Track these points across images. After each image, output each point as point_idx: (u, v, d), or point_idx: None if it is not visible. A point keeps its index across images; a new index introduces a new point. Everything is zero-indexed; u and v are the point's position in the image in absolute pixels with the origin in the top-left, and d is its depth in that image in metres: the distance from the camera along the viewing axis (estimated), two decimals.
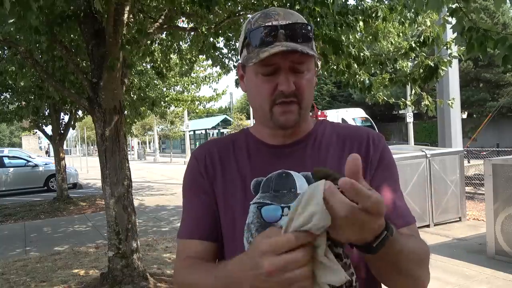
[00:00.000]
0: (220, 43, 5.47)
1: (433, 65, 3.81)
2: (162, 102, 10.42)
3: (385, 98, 4.70)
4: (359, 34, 4.10)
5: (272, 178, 0.95)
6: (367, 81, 4.15)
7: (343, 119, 21.35)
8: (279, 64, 0.89)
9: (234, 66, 6.04)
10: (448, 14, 2.54)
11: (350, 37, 3.89)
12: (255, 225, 0.92)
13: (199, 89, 10.77)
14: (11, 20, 2.55)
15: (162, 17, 4.47)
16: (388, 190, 0.98)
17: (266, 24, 0.90)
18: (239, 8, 4.42)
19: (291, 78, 0.90)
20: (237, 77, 5.82)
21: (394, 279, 0.86)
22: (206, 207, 0.99)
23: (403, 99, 5.26)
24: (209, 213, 0.99)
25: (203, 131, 41.44)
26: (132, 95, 8.61)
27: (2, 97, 9.75)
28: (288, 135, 0.99)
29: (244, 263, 0.74)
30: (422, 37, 3.99)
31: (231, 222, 0.96)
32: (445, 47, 4.09)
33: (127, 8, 3.93)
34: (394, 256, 0.77)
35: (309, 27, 0.92)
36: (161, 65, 6.46)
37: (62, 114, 10.96)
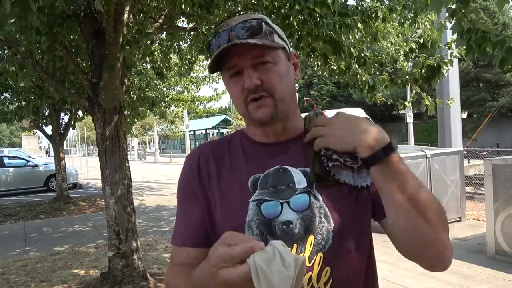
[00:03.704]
0: None
1: (435, 65, 3.81)
2: (162, 102, 10.42)
3: (384, 99, 4.69)
4: (358, 34, 4.10)
5: (269, 174, 0.95)
6: (371, 81, 4.14)
7: None
8: (240, 64, 0.92)
9: None
10: (446, 16, 2.55)
11: (350, 37, 3.89)
12: (256, 222, 0.92)
13: (199, 89, 10.78)
14: (12, 21, 2.55)
15: (162, 17, 4.48)
16: None
17: (219, 32, 0.94)
18: (239, 8, 4.43)
19: (254, 74, 0.91)
20: None
21: (418, 233, 0.85)
22: (198, 213, 0.98)
23: (401, 100, 5.26)
24: (201, 219, 0.98)
25: (203, 131, 41.46)
26: (132, 95, 8.61)
27: (2, 97, 9.74)
28: (280, 133, 0.99)
29: (205, 269, 0.78)
30: (422, 40, 3.99)
31: (230, 221, 0.95)
32: (446, 47, 4.10)
33: (127, 8, 3.93)
34: (402, 176, 0.85)
35: (260, 20, 0.93)
36: (161, 65, 6.46)
37: (62, 114, 10.96)
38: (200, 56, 7.01)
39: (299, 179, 0.94)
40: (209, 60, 0.95)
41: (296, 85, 1.27)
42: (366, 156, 0.85)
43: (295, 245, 0.88)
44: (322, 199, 0.92)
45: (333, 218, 0.91)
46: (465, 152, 9.72)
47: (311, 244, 0.89)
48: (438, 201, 0.90)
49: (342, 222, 0.91)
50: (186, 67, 7.35)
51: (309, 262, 0.88)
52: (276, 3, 3.77)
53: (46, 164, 15.00)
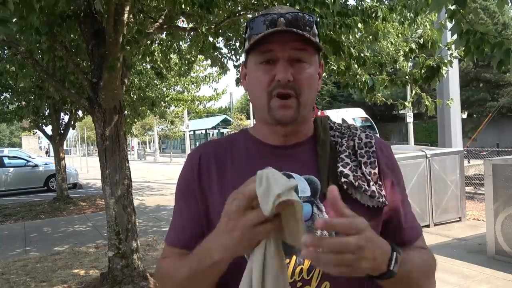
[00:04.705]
0: (220, 43, 5.49)
1: (434, 66, 3.81)
2: (162, 102, 10.42)
3: (384, 99, 4.70)
4: (359, 34, 4.10)
5: None
6: (370, 81, 4.14)
7: (343, 119, 21.34)
8: (277, 53, 0.88)
9: (234, 66, 6.05)
10: (446, 17, 2.55)
11: (350, 37, 3.89)
12: None
13: (199, 89, 10.77)
14: (14, 20, 2.55)
15: (162, 17, 4.48)
16: (399, 200, 0.98)
17: (267, 13, 0.90)
18: (239, 8, 4.43)
19: (290, 69, 0.88)
20: (237, 76, 5.75)
21: None
22: (194, 215, 0.96)
23: (401, 100, 5.27)
24: (197, 221, 0.96)
25: (203, 131, 41.44)
26: (132, 95, 8.62)
27: (2, 97, 9.74)
28: (289, 134, 0.95)
29: (212, 233, 0.77)
30: (422, 40, 3.99)
31: None
32: (446, 48, 4.10)
33: (127, 8, 3.93)
34: (407, 275, 0.80)
35: (311, 18, 0.91)
36: (161, 65, 6.46)
37: (62, 114, 10.96)
38: (200, 56, 7.01)
39: (303, 187, 0.90)
40: (251, 39, 0.90)
41: None
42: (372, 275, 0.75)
43: (294, 256, 0.86)
44: (326, 211, 0.89)
45: (335, 231, 0.88)
46: (465, 152, 9.72)
47: None
48: (430, 265, 0.93)
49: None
50: (186, 67, 7.34)
51: (308, 276, 0.86)
52: (276, 3, 3.77)
53: (46, 164, 15.00)
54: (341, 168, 0.92)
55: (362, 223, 0.71)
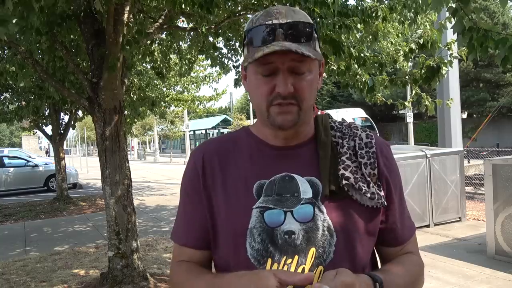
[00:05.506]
0: (220, 43, 5.48)
1: (434, 66, 3.81)
2: (162, 102, 10.42)
3: (383, 99, 4.69)
4: (359, 34, 4.10)
5: (275, 181, 0.93)
6: (370, 81, 4.14)
7: (343, 119, 21.29)
8: (277, 64, 0.87)
9: (234, 66, 6.05)
10: (447, 16, 2.55)
11: (350, 37, 3.89)
12: (258, 230, 0.90)
13: (199, 89, 10.77)
14: (14, 21, 2.55)
15: (162, 17, 4.48)
16: (396, 200, 1.01)
17: (265, 23, 0.89)
18: (239, 8, 4.43)
19: (290, 80, 0.87)
20: (236, 77, 5.79)
21: None
22: (201, 214, 0.98)
23: (401, 100, 5.26)
24: (203, 220, 0.97)
25: (203, 131, 41.45)
26: (132, 95, 8.61)
27: (2, 97, 9.74)
28: (290, 137, 0.96)
29: (241, 282, 0.82)
30: (422, 40, 3.99)
31: (232, 226, 0.93)
32: (446, 48, 4.10)
33: (127, 8, 3.93)
34: None
35: (311, 26, 0.90)
36: (161, 65, 6.46)
37: (62, 114, 10.96)
38: (200, 56, 7.01)
39: (305, 188, 0.92)
40: (249, 51, 0.90)
41: None
42: None
43: (296, 257, 0.88)
44: (327, 212, 0.91)
45: (336, 232, 0.90)
46: (465, 152, 9.73)
47: (312, 257, 0.88)
48: (415, 275, 0.98)
49: (345, 237, 0.90)
50: (186, 67, 7.34)
51: None
52: (275, 3, 3.77)
53: (46, 164, 15.00)
54: (342, 171, 0.94)
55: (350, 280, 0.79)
